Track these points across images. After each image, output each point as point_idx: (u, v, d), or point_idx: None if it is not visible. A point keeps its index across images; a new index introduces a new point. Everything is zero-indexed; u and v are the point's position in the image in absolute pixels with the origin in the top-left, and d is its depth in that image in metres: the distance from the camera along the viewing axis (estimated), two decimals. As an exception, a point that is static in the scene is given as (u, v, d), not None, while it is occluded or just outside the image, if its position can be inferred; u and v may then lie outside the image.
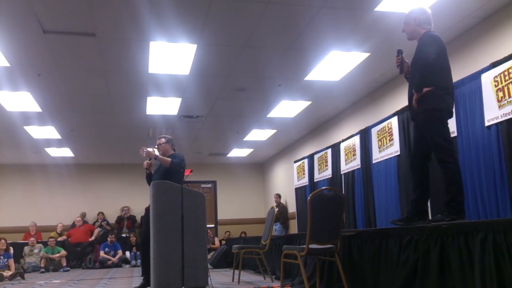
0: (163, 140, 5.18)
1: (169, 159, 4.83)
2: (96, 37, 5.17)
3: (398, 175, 6.41)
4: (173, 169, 4.83)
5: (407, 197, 5.96)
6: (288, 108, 8.14)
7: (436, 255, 2.92)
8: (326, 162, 8.86)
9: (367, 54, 5.88)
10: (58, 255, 9.80)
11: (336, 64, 6.15)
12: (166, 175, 4.80)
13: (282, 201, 11.51)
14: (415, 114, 3.63)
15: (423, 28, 3.62)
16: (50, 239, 10.02)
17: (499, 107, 4.56)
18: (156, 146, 5.22)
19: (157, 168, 5.06)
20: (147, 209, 5.05)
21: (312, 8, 4.72)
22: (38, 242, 10.16)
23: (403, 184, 6.24)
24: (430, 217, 3.85)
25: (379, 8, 4.73)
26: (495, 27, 4.91)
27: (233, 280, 6.01)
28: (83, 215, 11.73)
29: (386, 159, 6.73)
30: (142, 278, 5.17)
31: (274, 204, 10.90)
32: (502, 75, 4.55)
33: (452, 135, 5.16)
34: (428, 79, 3.45)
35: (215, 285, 5.24)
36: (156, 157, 4.86)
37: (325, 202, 3.99)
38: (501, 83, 4.55)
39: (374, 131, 7.08)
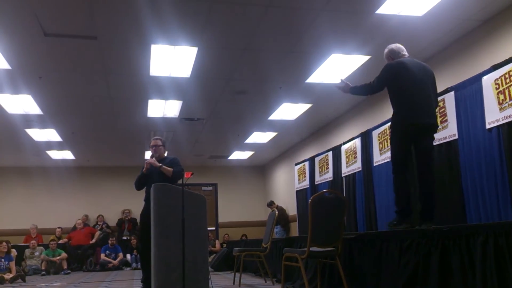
0: (159, 142, 5.22)
1: (171, 169, 4.94)
2: (97, 40, 5.18)
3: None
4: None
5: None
6: (289, 110, 8.14)
7: (437, 258, 2.91)
8: (327, 164, 8.86)
9: (367, 57, 5.88)
10: (59, 257, 9.80)
11: (337, 67, 6.15)
12: (166, 178, 4.84)
13: (282, 204, 11.47)
14: (432, 125, 3.92)
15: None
16: (52, 242, 10.03)
17: (500, 109, 4.56)
18: (151, 147, 5.25)
19: (152, 169, 5.08)
20: (142, 214, 5.05)
21: (312, 11, 4.73)
22: (39, 245, 10.16)
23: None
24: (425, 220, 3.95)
25: (380, 11, 4.74)
26: (496, 29, 4.91)
27: (234, 283, 6.00)
28: (85, 218, 11.75)
29: (387, 161, 6.70)
30: (141, 283, 5.17)
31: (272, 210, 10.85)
32: (503, 77, 4.55)
33: (453, 138, 5.21)
34: None
35: (216, 288, 5.23)
36: (160, 167, 4.92)
37: (326, 205, 3.99)
38: (502, 85, 4.55)
39: (375, 133, 7.08)
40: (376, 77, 4.01)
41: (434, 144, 5.42)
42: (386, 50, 4.16)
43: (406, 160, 3.96)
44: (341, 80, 4.37)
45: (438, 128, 5.35)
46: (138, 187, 5.21)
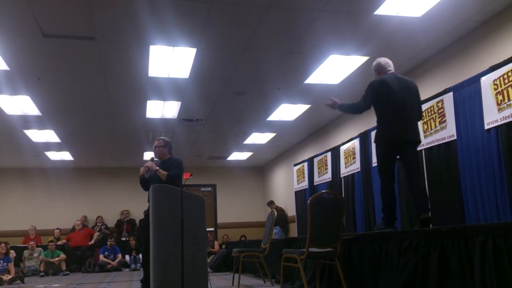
0: (161, 143, 5.17)
1: (166, 173, 4.86)
2: (96, 41, 5.18)
3: (398, 178, 6.39)
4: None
5: (407, 200, 5.96)
6: (287, 111, 8.14)
7: (436, 258, 2.91)
8: (326, 165, 8.86)
9: (366, 58, 5.89)
10: (57, 258, 9.78)
11: (336, 67, 6.16)
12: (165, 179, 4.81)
13: (281, 205, 11.47)
14: (417, 142, 4.05)
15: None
16: (50, 243, 10.01)
17: (499, 110, 4.56)
18: (153, 147, 5.23)
19: (152, 172, 5.05)
20: (146, 213, 5.04)
21: (311, 12, 4.73)
22: (37, 246, 10.14)
23: (402, 188, 6.23)
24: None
25: (378, 12, 4.74)
26: (495, 30, 4.92)
27: (233, 284, 6.00)
28: (84, 219, 11.73)
29: (386, 162, 6.71)
30: (141, 283, 5.16)
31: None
32: (501, 78, 4.55)
33: (451, 138, 5.22)
34: None
35: (215, 289, 5.22)
36: (156, 171, 4.89)
37: (325, 206, 3.99)
38: (501, 86, 4.56)
39: (373, 134, 7.07)
40: (362, 96, 4.15)
41: (433, 145, 5.50)
42: (374, 63, 4.30)
43: (392, 169, 4.10)
44: (330, 98, 4.48)
45: (436, 129, 5.41)
46: (143, 189, 5.18)
